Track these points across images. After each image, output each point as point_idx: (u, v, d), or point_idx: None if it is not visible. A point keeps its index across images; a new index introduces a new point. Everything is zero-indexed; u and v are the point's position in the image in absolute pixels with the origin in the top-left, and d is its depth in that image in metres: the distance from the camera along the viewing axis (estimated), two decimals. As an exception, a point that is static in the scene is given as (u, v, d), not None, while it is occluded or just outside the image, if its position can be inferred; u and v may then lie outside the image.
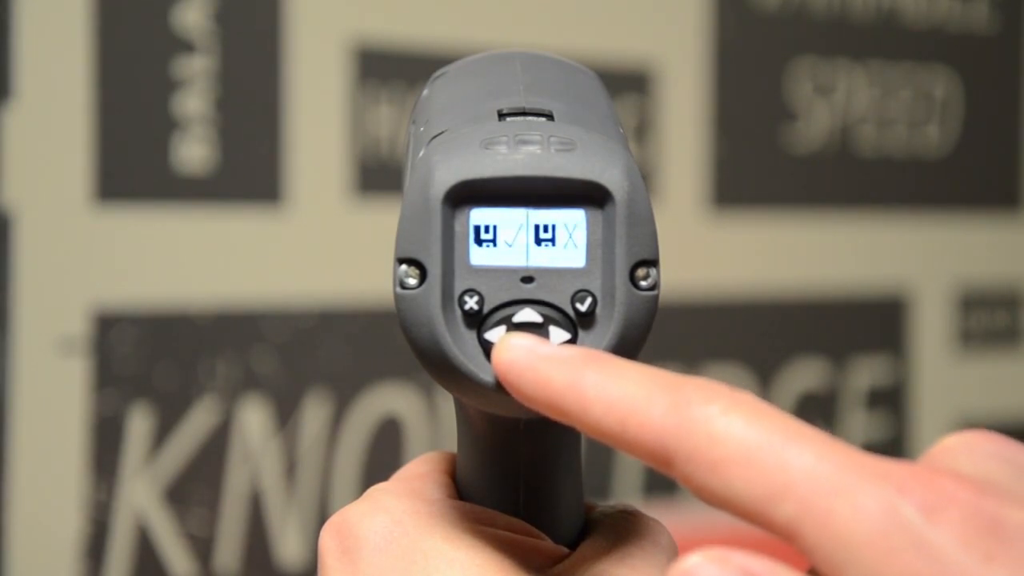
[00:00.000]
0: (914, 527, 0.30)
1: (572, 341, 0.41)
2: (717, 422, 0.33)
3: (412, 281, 0.41)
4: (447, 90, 0.46)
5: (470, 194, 0.41)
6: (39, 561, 1.07)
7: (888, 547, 0.30)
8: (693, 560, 0.32)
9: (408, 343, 0.41)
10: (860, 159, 1.53)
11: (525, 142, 0.41)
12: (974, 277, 1.61)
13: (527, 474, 0.45)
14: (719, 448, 0.32)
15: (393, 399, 1.23)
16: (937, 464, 0.34)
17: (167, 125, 1.12)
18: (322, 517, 1.18)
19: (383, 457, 1.23)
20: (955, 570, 0.30)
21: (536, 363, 0.36)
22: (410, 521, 0.43)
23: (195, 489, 1.14)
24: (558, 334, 0.41)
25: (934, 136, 1.58)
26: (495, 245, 0.41)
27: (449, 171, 0.40)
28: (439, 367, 0.41)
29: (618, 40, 1.37)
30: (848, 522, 0.31)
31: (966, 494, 0.31)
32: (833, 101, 1.51)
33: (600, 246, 0.41)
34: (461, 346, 0.41)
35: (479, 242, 0.41)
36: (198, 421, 1.14)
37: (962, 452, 0.34)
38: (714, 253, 1.43)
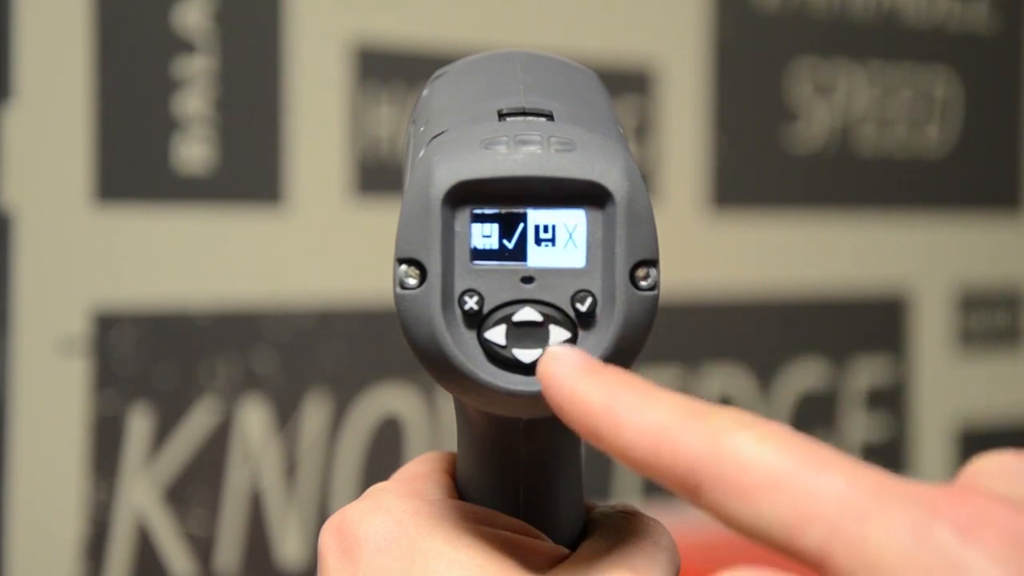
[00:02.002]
0: (948, 548, 0.30)
1: (572, 341, 0.41)
2: (748, 449, 0.32)
3: (412, 281, 0.41)
4: (447, 90, 0.46)
5: (470, 194, 0.41)
6: (39, 561, 1.07)
7: (922, 570, 0.30)
8: None
9: (408, 343, 0.41)
10: (860, 159, 1.53)
11: (525, 142, 0.41)
12: (974, 277, 1.61)
13: (527, 474, 0.45)
14: (749, 475, 0.32)
15: (393, 399, 1.23)
16: (969, 486, 0.33)
17: (167, 125, 1.12)
18: (322, 517, 1.18)
19: (383, 457, 1.22)
20: None
21: (576, 382, 0.36)
22: (410, 521, 0.43)
23: (195, 489, 1.14)
24: (558, 333, 0.41)
25: (934, 136, 1.58)
26: (495, 245, 0.41)
27: (449, 171, 0.40)
28: (439, 367, 0.41)
29: (618, 40, 1.37)
30: (880, 546, 0.30)
31: (1001, 514, 0.30)
32: (833, 101, 1.51)
33: (600, 246, 0.41)
34: (461, 346, 0.41)
35: (479, 242, 0.41)
36: (198, 421, 1.14)
37: (995, 473, 0.33)
38: (714, 253, 1.43)
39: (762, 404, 1.45)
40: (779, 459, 0.32)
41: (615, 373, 0.36)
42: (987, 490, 0.32)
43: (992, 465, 0.34)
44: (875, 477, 0.32)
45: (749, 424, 0.33)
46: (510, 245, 0.41)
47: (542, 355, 0.38)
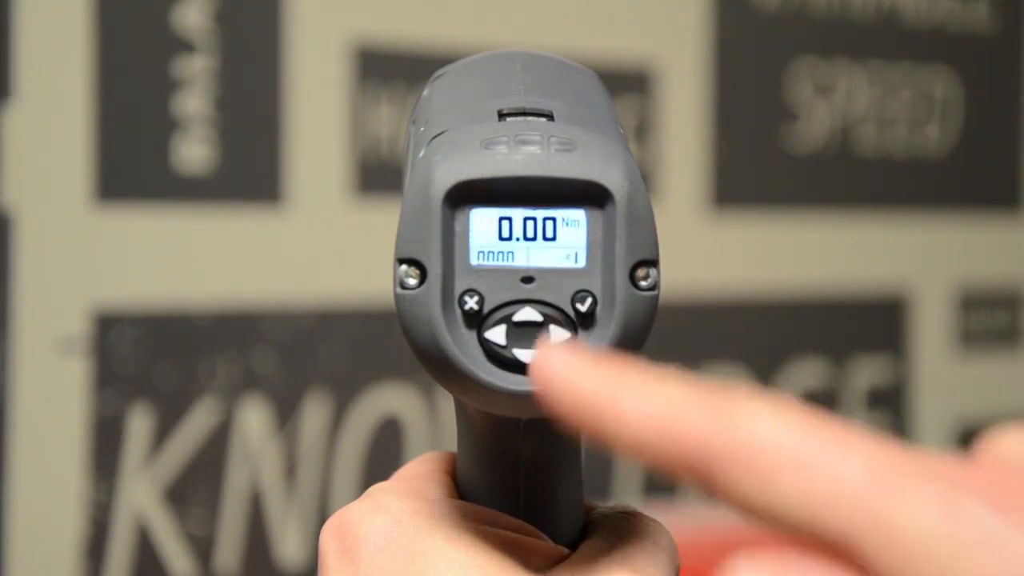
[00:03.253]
0: (984, 525, 0.29)
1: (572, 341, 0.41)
2: (762, 429, 0.31)
3: (412, 281, 0.41)
4: (447, 90, 0.46)
5: (470, 194, 0.41)
6: (39, 561, 1.07)
7: (958, 547, 0.29)
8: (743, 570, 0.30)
9: (408, 343, 0.41)
10: (860, 159, 1.53)
11: (525, 142, 0.41)
12: (974, 277, 1.61)
13: (527, 474, 0.45)
14: (764, 455, 0.30)
15: (393, 399, 1.23)
16: (992, 462, 0.32)
17: (167, 125, 1.12)
18: (322, 517, 1.18)
19: (383, 457, 1.23)
20: None
21: (572, 376, 0.34)
22: (411, 521, 0.43)
23: (195, 489, 1.14)
24: (559, 333, 0.41)
25: (934, 136, 1.58)
26: (495, 245, 0.41)
27: (449, 171, 0.40)
28: (439, 367, 0.41)
29: (618, 40, 1.37)
30: (911, 525, 0.29)
31: None
32: (833, 101, 1.51)
33: (600, 246, 0.41)
34: (461, 346, 0.41)
35: (479, 242, 0.41)
36: (198, 421, 1.14)
37: (1013, 448, 0.32)
38: (714, 253, 1.43)
39: (762, 404, 1.45)
40: (796, 438, 0.31)
41: (611, 362, 0.34)
42: (1012, 466, 0.32)
43: (1008, 440, 0.33)
44: (901, 455, 0.30)
45: (763, 401, 0.32)
46: (510, 245, 0.41)
47: (533, 359, 0.36)
